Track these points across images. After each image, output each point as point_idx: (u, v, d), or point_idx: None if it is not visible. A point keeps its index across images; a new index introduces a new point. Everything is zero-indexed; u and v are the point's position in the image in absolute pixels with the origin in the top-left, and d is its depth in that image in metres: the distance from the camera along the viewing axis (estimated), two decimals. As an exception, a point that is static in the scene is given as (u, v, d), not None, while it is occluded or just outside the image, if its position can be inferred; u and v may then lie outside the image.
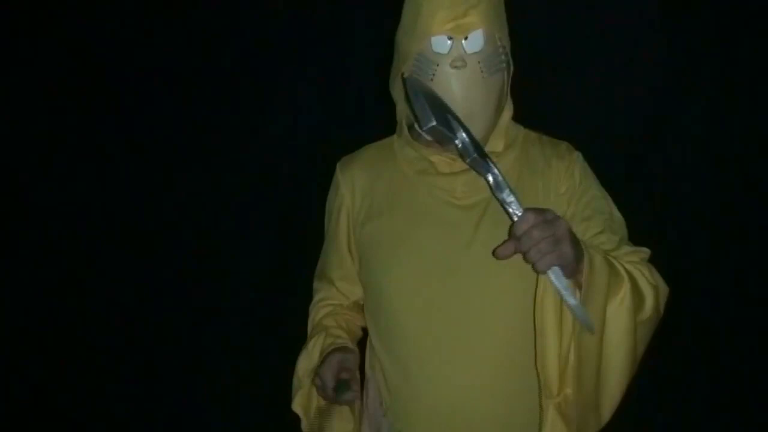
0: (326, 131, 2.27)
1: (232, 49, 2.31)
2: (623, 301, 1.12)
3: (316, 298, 1.50)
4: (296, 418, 1.41)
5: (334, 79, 2.25)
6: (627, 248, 1.24)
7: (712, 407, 2.09)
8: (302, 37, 2.25)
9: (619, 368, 1.15)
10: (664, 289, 1.22)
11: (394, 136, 1.45)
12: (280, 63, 2.29)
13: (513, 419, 1.26)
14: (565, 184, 1.31)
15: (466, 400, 1.25)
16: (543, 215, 1.03)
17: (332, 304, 1.47)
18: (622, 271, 1.13)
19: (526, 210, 1.04)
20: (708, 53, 2.02)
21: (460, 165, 1.30)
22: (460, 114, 1.20)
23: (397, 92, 1.34)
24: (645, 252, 1.25)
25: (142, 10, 2.32)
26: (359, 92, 2.19)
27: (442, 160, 1.32)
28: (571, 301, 1.07)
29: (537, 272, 1.08)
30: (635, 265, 1.18)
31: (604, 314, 1.11)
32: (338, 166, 1.46)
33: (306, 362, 1.38)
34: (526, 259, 1.05)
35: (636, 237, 1.31)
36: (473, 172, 1.29)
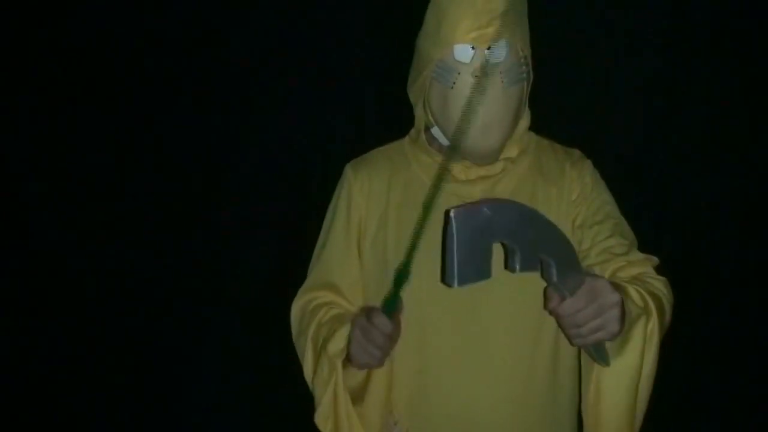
0: (325, 133, 2.27)
1: (230, 49, 2.28)
2: (652, 335, 1.14)
3: (316, 302, 1.37)
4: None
5: (333, 80, 2.25)
6: (638, 255, 1.27)
7: (712, 408, 2.19)
8: (300, 38, 2.24)
9: (647, 394, 1.19)
10: (672, 300, 1.25)
11: (405, 140, 1.44)
12: (279, 63, 2.27)
13: (532, 429, 1.29)
14: (577, 190, 1.34)
15: (483, 410, 1.27)
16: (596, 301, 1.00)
17: (344, 310, 1.37)
18: (652, 305, 1.15)
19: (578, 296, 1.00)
20: (708, 54, 2.09)
21: (476, 172, 1.32)
22: (478, 124, 1.21)
23: (416, 96, 1.34)
24: (655, 260, 1.28)
25: (140, 10, 2.26)
26: (359, 94, 2.19)
27: (458, 167, 1.32)
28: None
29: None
30: (657, 286, 1.21)
31: (641, 356, 1.13)
32: (349, 168, 1.43)
33: (338, 342, 1.25)
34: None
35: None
36: (491, 179, 1.32)
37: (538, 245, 0.97)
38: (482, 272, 0.95)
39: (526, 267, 0.97)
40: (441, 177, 1.08)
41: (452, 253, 0.92)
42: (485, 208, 0.93)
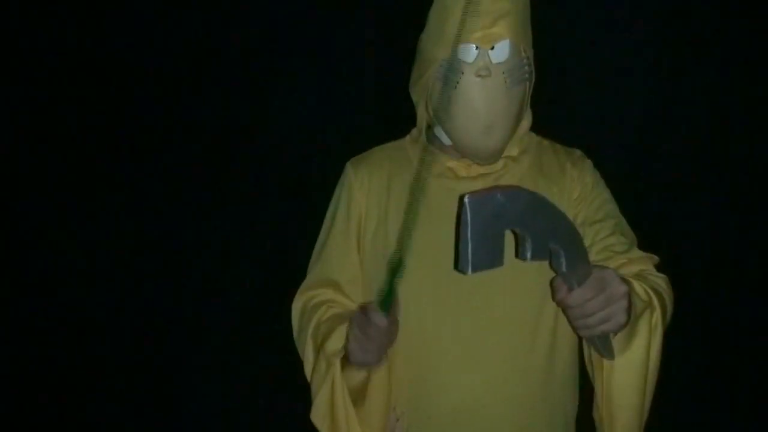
0: (324, 132, 2.27)
1: (230, 48, 2.28)
2: (657, 329, 1.15)
3: (316, 300, 1.39)
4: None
5: (333, 80, 2.25)
6: (639, 253, 1.28)
7: (712, 408, 2.21)
8: (300, 37, 2.24)
9: (653, 387, 1.20)
10: (673, 298, 1.26)
11: (405, 139, 1.45)
12: (279, 62, 2.27)
13: (529, 425, 1.30)
14: (578, 189, 1.35)
15: (483, 403, 1.27)
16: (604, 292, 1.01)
17: (344, 309, 1.37)
18: (655, 300, 1.16)
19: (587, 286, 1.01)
20: (709, 54, 2.10)
21: (476, 169, 1.33)
22: (481, 123, 1.23)
23: (418, 96, 1.35)
24: (656, 258, 1.29)
25: (139, 8, 2.26)
26: (359, 93, 2.20)
27: (459, 165, 1.34)
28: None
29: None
30: (658, 283, 1.22)
31: (648, 349, 1.15)
32: (349, 166, 1.44)
33: (336, 341, 1.26)
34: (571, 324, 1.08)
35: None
36: (492, 176, 1.34)
37: (549, 234, 0.97)
38: (495, 260, 0.94)
39: (536, 256, 0.96)
40: (424, 160, 1.08)
41: (466, 240, 0.91)
42: (498, 194, 0.92)
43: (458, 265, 0.94)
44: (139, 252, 2.39)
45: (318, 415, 1.28)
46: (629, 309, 1.05)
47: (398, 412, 1.34)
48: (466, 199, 0.90)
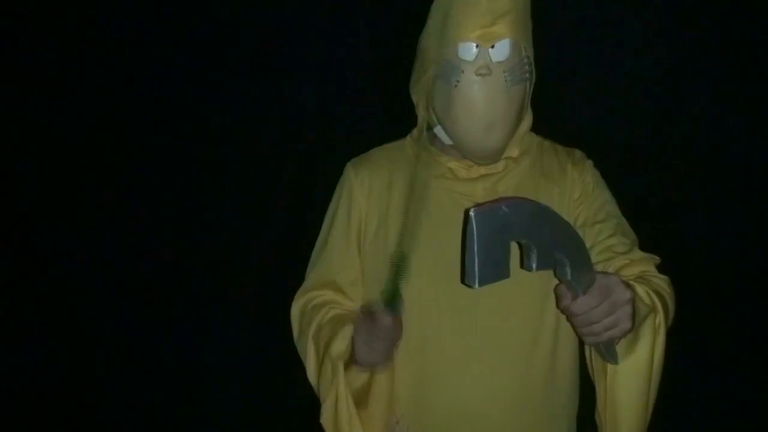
0: (325, 133, 2.27)
1: (232, 47, 2.28)
2: (660, 332, 1.15)
3: (315, 301, 1.38)
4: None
5: (334, 80, 2.26)
6: (640, 253, 1.28)
7: (711, 406, 2.21)
8: (301, 38, 2.24)
9: (657, 388, 1.20)
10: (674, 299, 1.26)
11: (406, 139, 1.45)
12: (280, 62, 2.28)
13: (531, 428, 1.29)
14: (579, 189, 1.35)
15: (482, 408, 1.27)
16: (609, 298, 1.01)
17: (345, 310, 1.37)
18: (658, 303, 1.16)
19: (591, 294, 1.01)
20: (709, 53, 2.11)
21: (477, 170, 1.33)
22: (481, 122, 1.22)
23: (418, 96, 1.34)
24: (657, 259, 1.29)
25: (140, 10, 2.26)
26: (359, 94, 2.20)
27: (460, 166, 1.34)
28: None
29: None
30: (660, 285, 1.22)
31: (651, 352, 1.14)
32: (349, 167, 1.43)
33: (340, 344, 1.25)
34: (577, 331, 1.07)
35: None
36: (493, 177, 1.33)
37: (554, 243, 0.96)
38: (501, 272, 0.93)
39: (542, 266, 0.96)
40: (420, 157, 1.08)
41: (473, 253, 0.90)
42: (503, 206, 0.91)
43: (465, 278, 0.93)
44: (139, 253, 2.39)
45: (326, 419, 1.28)
46: (633, 314, 1.05)
47: (398, 415, 1.33)
48: (471, 213, 0.89)
